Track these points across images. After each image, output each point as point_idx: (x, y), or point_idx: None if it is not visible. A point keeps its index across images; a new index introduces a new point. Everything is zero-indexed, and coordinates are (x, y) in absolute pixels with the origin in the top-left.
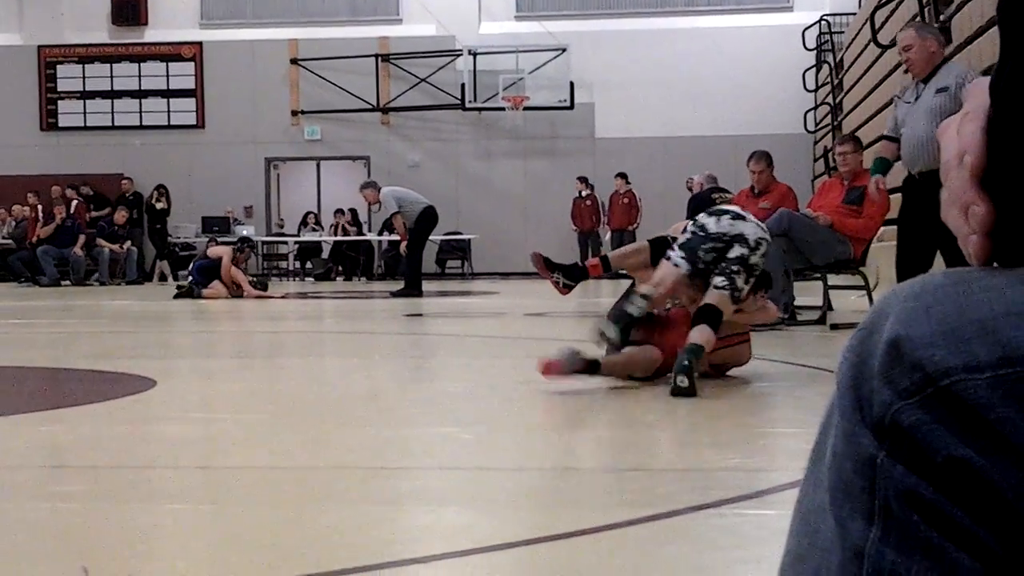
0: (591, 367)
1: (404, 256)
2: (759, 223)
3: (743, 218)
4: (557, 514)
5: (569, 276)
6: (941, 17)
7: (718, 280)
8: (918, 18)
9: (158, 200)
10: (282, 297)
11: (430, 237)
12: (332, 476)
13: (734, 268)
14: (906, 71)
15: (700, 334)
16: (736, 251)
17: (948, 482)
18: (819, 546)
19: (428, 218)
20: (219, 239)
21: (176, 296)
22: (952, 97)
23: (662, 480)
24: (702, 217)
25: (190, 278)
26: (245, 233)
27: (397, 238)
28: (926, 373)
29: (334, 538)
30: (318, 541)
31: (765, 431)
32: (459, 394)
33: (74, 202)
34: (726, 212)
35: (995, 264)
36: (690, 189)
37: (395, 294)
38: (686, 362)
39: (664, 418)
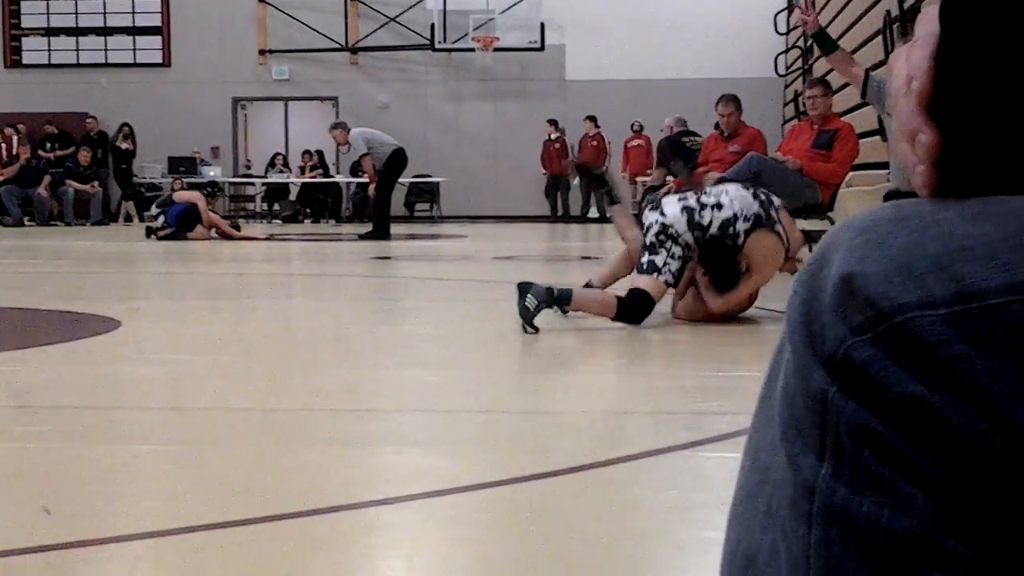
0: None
1: (372, 198)
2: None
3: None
4: (524, 456)
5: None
6: None
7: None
8: None
9: (123, 140)
10: (267, 239)
11: (399, 180)
12: (299, 418)
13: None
14: None
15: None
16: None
17: (900, 419)
18: (770, 482)
19: (397, 160)
20: (185, 180)
21: (156, 237)
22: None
23: (628, 422)
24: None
25: (163, 221)
26: (213, 175)
27: (366, 180)
28: (879, 309)
29: (302, 479)
30: (286, 482)
31: (728, 375)
32: (427, 336)
33: (13, 139)
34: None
35: (944, 196)
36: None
37: (363, 236)
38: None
39: (633, 362)
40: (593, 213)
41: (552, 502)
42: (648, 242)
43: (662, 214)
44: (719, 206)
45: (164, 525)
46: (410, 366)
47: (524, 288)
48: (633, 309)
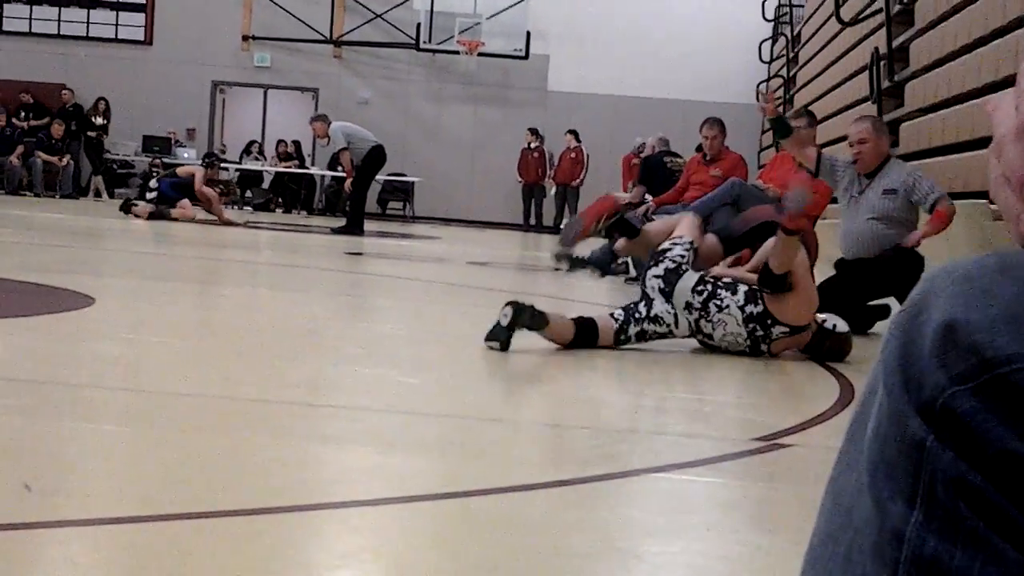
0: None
1: (348, 193)
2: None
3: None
4: (501, 466)
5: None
6: (904, 1)
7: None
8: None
9: (97, 115)
10: (243, 225)
11: (375, 177)
12: (270, 410)
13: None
14: (853, 162)
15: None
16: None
17: (998, 474)
18: (853, 526)
19: (376, 157)
20: (163, 159)
21: (133, 214)
22: (900, 199)
23: (609, 440)
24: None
25: (156, 193)
26: (187, 156)
27: (342, 174)
28: (984, 358)
29: (272, 474)
30: (255, 475)
31: (710, 400)
32: (402, 337)
33: None
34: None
35: None
36: (638, 154)
37: (336, 231)
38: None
39: (610, 380)
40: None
41: (527, 513)
42: (645, 329)
43: (675, 321)
44: (710, 338)
45: (119, 512)
46: (384, 365)
47: (518, 308)
48: (580, 339)
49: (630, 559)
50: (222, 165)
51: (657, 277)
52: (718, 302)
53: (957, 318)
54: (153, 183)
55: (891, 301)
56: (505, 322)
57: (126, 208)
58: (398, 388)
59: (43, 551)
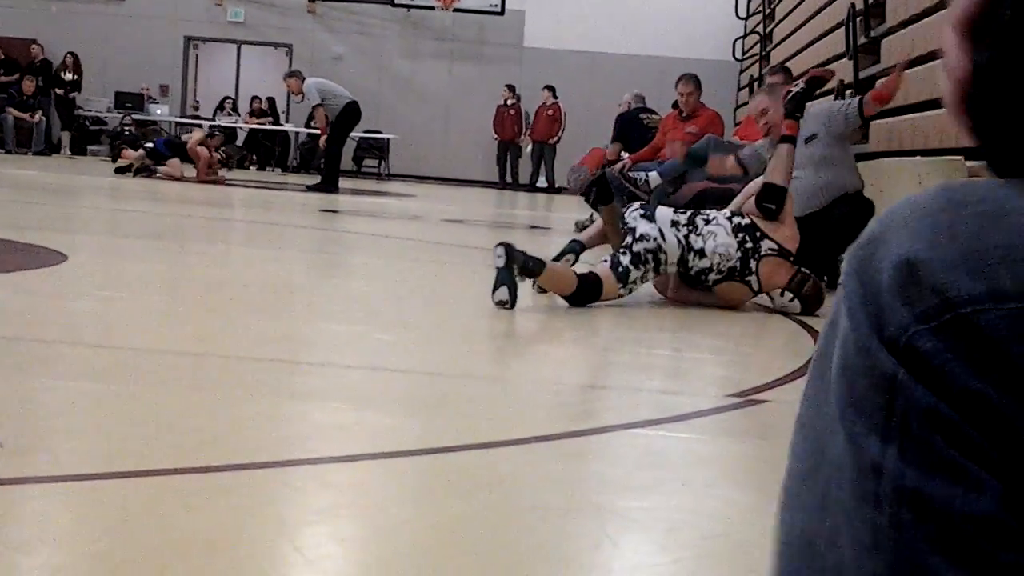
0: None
1: (323, 149)
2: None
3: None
4: (482, 422)
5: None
6: None
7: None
8: None
9: (66, 71)
10: (222, 182)
11: (350, 134)
12: (245, 366)
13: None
14: (767, 134)
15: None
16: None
17: (965, 410)
18: (828, 463)
19: (350, 114)
20: (135, 116)
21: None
22: (823, 138)
23: (584, 396)
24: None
25: (151, 148)
26: (160, 113)
27: (317, 131)
28: (946, 298)
29: (248, 430)
30: (234, 432)
31: (688, 357)
32: (377, 294)
33: None
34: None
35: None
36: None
37: (311, 188)
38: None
39: (587, 336)
40: (542, 183)
41: (503, 469)
42: (637, 250)
43: (662, 235)
44: (701, 253)
45: (93, 468)
46: (360, 322)
47: (509, 251)
48: (584, 292)
49: (606, 514)
50: (196, 120)
51: (634, 210)
52: (705, 217)
53: (919, 255)
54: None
55: None
56: (501, 263)
57: (116, 156)
58: (374, 345)
59: (16, 507)
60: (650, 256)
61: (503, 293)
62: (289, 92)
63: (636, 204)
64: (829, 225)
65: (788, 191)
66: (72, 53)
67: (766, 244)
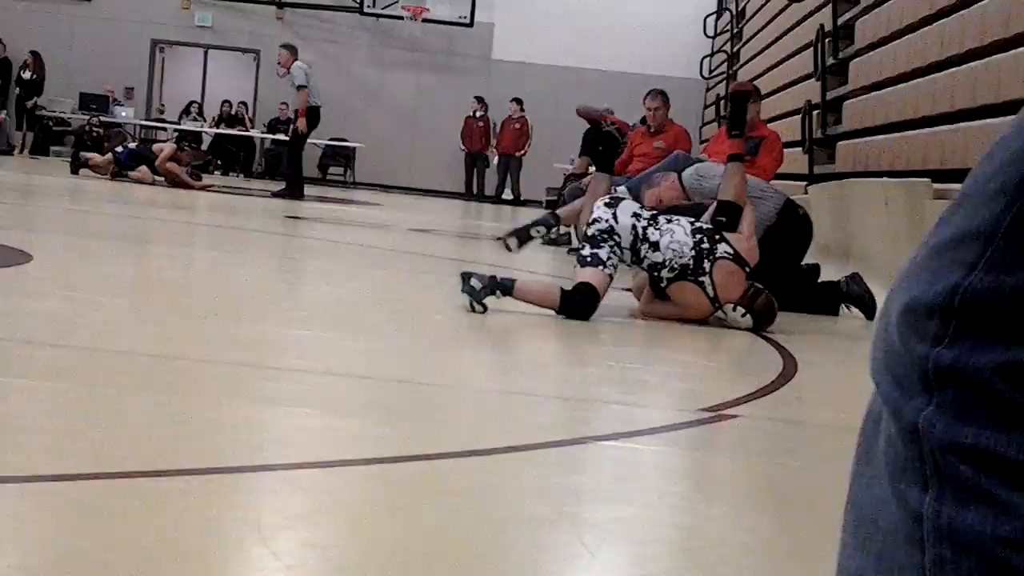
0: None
1: (298, 134)
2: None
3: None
4: (448, 432)
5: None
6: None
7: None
8: None
9: (26, 69)
10: (203, 188)
11: (310, 140)
12: (211, 370)
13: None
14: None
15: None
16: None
17: (1010, 380)
18: (881, 530)
19: (314, 118)
20: (101, 117)
21: (73, 171)
22: None
23: (558, 408)
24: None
25: (118, 158)
26: (124, 115)
27: (283, 138)
28: (940, 301)
29: (217, 434)
30: (206, 435)
31: (657, 371)
32: (344, 301)
33: None
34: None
35: None
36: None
37: (276, 194)
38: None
39: (562, 349)
40: (507, 195)
41: (477, 478)
42: (591, 233)
43: (615, 218)
44: (656, 246)
45: (61, 469)
46: (327, 328)
47: (467, 275)
48: (580, 305)
49: (582, 525)
50: (161, 124)
51: (600, 200)
52: (668, 217)
53: (906, 301)
54: (119, 149)
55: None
56: (466, 289)
57: (76, 167)
58: (342, 351)
59: None
60: (605, 236)
61: (477, 307)
62: (278, 62)
63: (605, 196)
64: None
65: (744, 207)
66: (34, 52)
67: (722, 247)
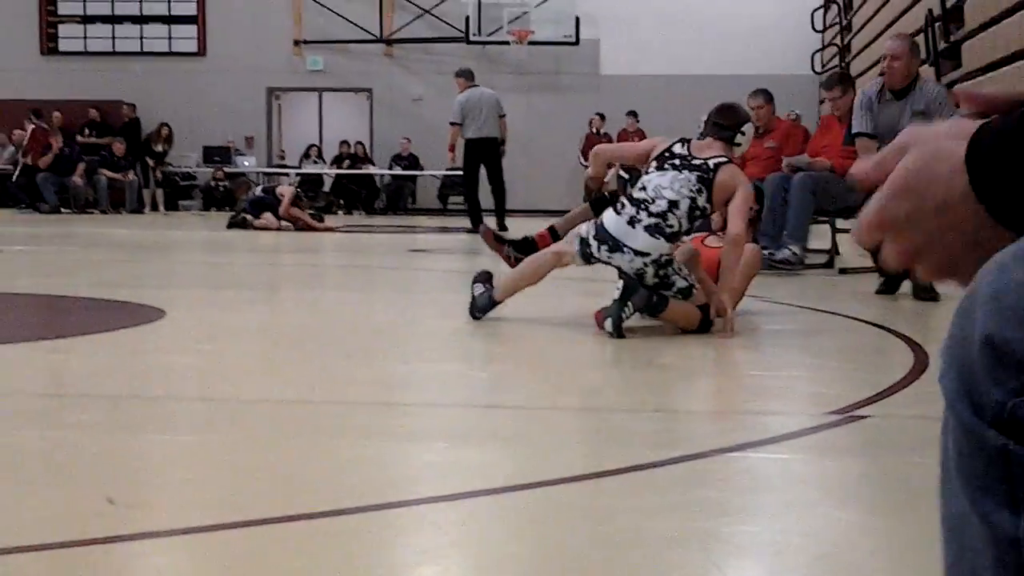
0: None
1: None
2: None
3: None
4: (579, 454)
5: (519, 249)
6: None
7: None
8: None
9: (159, 142)
10: (327, 230)
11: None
12: (346, 410)
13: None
14: (881, 74)
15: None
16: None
17: None
18: (968, 547)
19: (471, 150)
20: (225, 170)
21: (229, 226)
22: (930, 121)
23: (683, 422)
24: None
25: (245, 207)
26: (247, 165)
27: (402, 173)
28: None
29: (350, 474)
30: (334, 477)
31: (781, 375)
32: (470, 331)
33: (31, 128)
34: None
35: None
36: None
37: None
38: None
39: (679, 361)
40: None
41: (605, 501)
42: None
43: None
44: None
45: (202, 521)
46: (455, 360)
47: (625, 294)
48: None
49: (711, 541)
50: (283, 169)
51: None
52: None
53: (994, 334)
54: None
55: None
56: (616, 295)
57: (241, 224)
58: (468, 382)
59: (129, 563)
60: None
61: (609, 324)
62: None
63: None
64: None
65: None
66: (167, 124)
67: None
